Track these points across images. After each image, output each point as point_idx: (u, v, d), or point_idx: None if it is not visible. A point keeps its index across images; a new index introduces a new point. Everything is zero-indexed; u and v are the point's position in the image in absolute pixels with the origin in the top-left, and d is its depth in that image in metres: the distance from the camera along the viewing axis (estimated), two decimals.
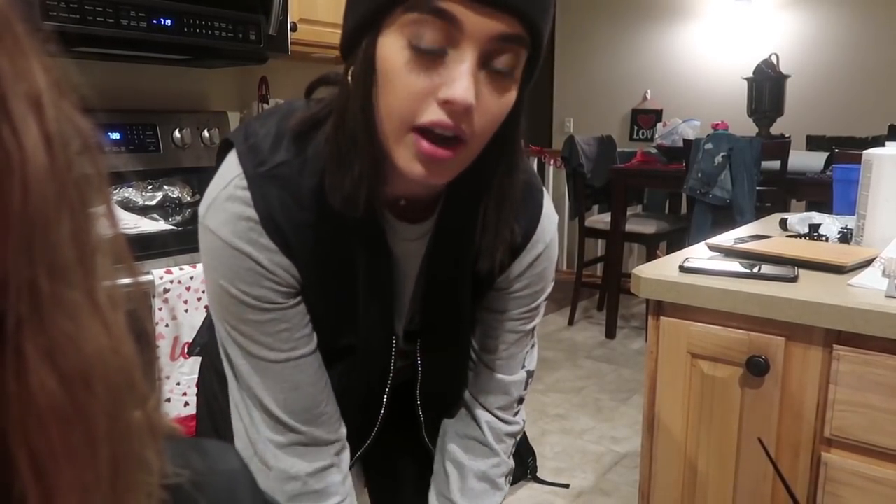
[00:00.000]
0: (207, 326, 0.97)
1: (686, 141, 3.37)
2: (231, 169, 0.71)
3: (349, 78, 0.65)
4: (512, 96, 0.65)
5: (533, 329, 0.90)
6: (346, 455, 0.84)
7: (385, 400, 0.87)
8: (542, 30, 0.63)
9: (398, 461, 0.99)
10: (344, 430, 0.83)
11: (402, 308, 0.83)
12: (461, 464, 0.91)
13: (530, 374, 0.93)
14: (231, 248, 0.70)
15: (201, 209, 0.73)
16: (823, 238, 1.43)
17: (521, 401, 0.93)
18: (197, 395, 0.99)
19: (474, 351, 0.90)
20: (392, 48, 0.61)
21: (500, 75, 0.62)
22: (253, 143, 0.71)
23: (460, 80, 0.59)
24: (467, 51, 0.60)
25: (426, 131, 0.62)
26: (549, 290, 0.88)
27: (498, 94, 0.63)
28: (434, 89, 0.61)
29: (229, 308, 0.73)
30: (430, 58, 0.60)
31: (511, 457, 0.94)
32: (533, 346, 0.93)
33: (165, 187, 2.01)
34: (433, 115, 0.61)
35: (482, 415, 0.90)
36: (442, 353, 0.87)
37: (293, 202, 0.70)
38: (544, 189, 0.84)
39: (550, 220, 0.84)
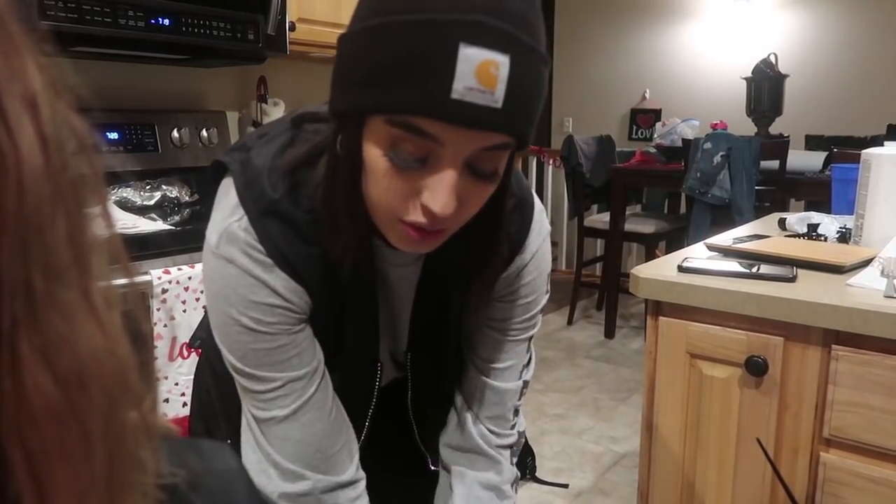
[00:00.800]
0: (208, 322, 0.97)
1: (685, 140, 3.37)
2: (235, 206, 0.71)
3: (337, 147, 0.65)
4: (495, 185, 0.65)
5: (530, 339, 0.90)
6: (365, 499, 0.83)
7: (368, 419, 0.87)
8: (529, 134, 0.62)
9: (389, 470, 0.99)
10: (361, 473, 0.83)
11: (402, 328, 0.85)
12: (464, 474, 0.91)
13: (526, 383, 0.93)
14: (248, 277, 0.71)
15: (212, 239, 0.72)
16: (822, 238, 1.43)
17: (516, 412, 0.93)
18: (192, 391, 0.99)
19: (471, 359, 0.90)
20: (372, 150, 0.61)
21: (485, 176, 0.63)
22: (251, 176, 0.71)
23: (440, 193, 0.60)
24: (448, 165, 0.59)
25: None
26: (543, 301, 0.89)
27: (480, 189, 0.64)
28: (416, 191, 0.61)
29: (238, 338, 0.73)
30: (410, 169, 0.61)
31: (514, 465, 0.93)
32: (530, 358, 0.93)
33: (164, 187, 2.01)
34: (416, 216, 0.62)
35: (475, 428, 0.90)
36: (431, 367, 0.88)
37: (294, 235, 0.71)
38: (538, 203, 0.84)
39: (539, 235, 0.84)
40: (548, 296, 0.89)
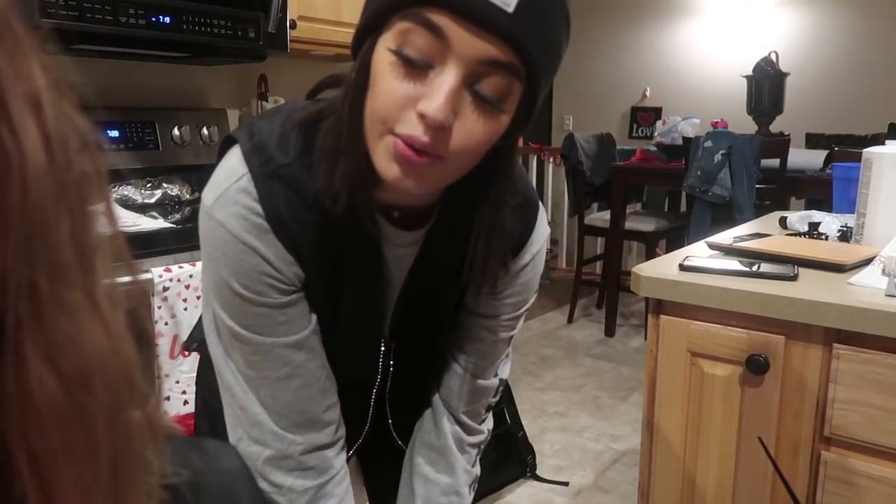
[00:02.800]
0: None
1: (685, 139, 3.37)
2: (236, 165, 0.71)
3: (352, 74, 0.66)
4: (498, 126, 0.64)
5: (510, 338, 0.90)
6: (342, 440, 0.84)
7: (373, 399, 0.87)
8: (539, 63, 0.61)
9: (394, 459, 1.00)
10: (341, 431, 0.83)
11: (386, 311, 0.84)
12: (427, 478, 0.91)
13: (502, 381, 0.93)
14: (239, 243, 0.70)
15: (207, 199, 0.72)
16: (823, 236, 1.43)
17: (488, 409, 0.94)
18: (195, 391, 0.99)
19: (450, 352, 0.90)
20: (383, 52, 0.62)
21: (487, 102, 0.62)
22: (258, 141, 0.71)
23: (437, 96, 0.59)
24: (451, 68, 0.59)
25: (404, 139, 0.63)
26: (532, 300, 0.89)
27: (482, 120, 0.62)
28: (415, 99, 0.61)
29: (229, 300, 0.73)
30: (414, 68, 0.60)
31: (476, 465, 0.94)
32: (507, 356, 0.93)
33: (164, 185, 2.01)
34: (410, 127, 0.61)
35: (447, 425, 0.90)
36: (415, 356, 0.88)
37: (298, 202, 0.70)
38: (541, 204, 0.85)
39: (541, 234, 0.84)
40: (535, 296, 0.89)
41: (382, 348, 0.85)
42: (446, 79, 0.59)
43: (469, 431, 0.91)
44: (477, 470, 0.94)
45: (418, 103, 0.60)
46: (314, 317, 0.78)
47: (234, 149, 0.72)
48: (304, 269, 0.74)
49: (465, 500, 0.92)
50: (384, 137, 0.63)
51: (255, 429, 0.77)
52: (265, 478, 0.78)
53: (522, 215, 0.80)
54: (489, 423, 0.95)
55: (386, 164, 0.64)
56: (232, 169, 0.71)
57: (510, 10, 0.57)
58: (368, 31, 0.64)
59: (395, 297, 0.82)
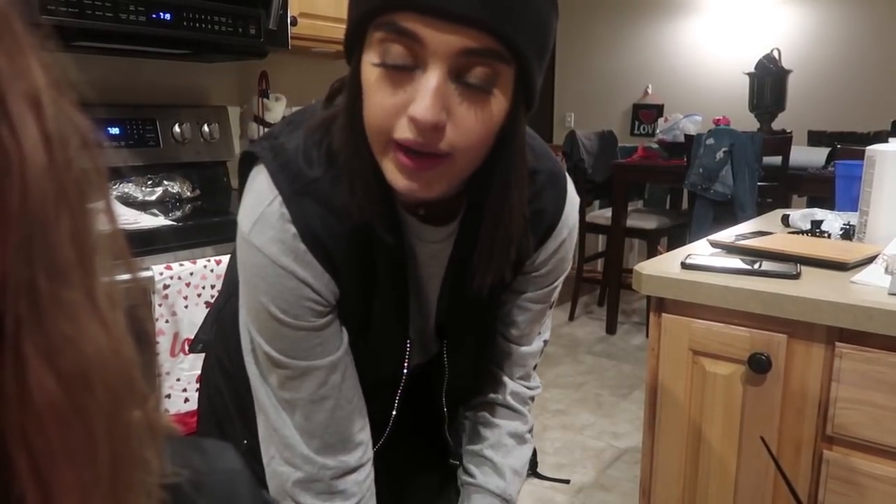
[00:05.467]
0: (211, 323, 0.96)
1: (687, 136, 3.36)
2: (266, 189, 0.71)
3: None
4: (494, 112, 0.63)
5: (552, 303, 0.93)
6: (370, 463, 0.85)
7: (397, 402, 0.87)
8: (520, 42, 0.61)
9: (411, 461, 0.99)
10: (369, 454, 0.84)
11: (429, 307, 0.84)
12: (492, 423, 0.93)
13: (546, 342, 0.96)
14: (277, 267, 0.71)
15: (244, 226, 0.72)
16: (826, 234, 1.43)
17: (535, 367, 0.97)
18: (199, 391, 0.99)
19: (499, 330, 0.91)
20: (368, 68, 0.63)
21: (476, 89, 0.61)
22: (283, 160, 0.71)
23: (423, 98, 0.60)
24: (432, 68, 0.60)
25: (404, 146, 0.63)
26: (568, 268, 0.90)
27: (474, 109, 0.62)
28: (405, 105, 0.61)
29: (266, 324, 0.74)
30: (398, 74, 0.61)
31: (531, 413, 0.98)
32: (548, 316, 0.95)
33: (165, 183, 2.01)
34: (405, 132, 0.61)
35: (505, 384, 0.93)
36: (467, 349, 0.88)
37: (329, 215, 0.71)
38: (567, 175, 0.85)
39: (573, 205, 0.85)
40: (571, 262, 0.91)
41: (408, 347, 0.84)
42: (430, 78, 0.60)
43: (526, 387, 0.95)
44: (532, 419, 0.97)
45: (409, 108, 0.61)
46: (346, 336, 0.78)
47: (262, 172, 0.72)
48: (339, 284, 0.74)
49: (528, 443, 0.96)
50: (387, 149, 0.64)
51: (287, 451, 0.77)
52: (294, 499, 0.78)
53: (552, 193, 0.80)
54: (537, 378, 0.99)
55: (394, 176, 0.65)
56: (262, 193, 0.71)
57: None
58: (352, 46, 0.65)
59: (437, 292, 0.82)
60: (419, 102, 0.60)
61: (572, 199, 0.84)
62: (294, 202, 0.70)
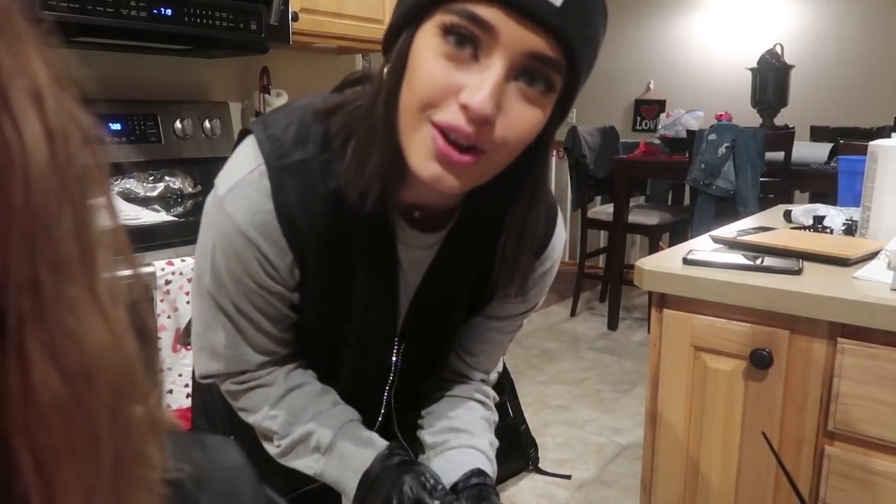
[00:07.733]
0: None
1: (689, 132, 3.36)
2: (250, 155, 0.70)
3: (384, 74, 0.65)
4: (541, 117, 0.63)
5: (511, 338, 0.92)
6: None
7: (385, 398, 0.86)
8: (581, 58, 0.61)
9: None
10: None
11: (399, 313, 0.83)
12: (463, 405, 0.91)
13: (499, 372, 0.95)
14: (243, 237, 0.70)
15: (220, 187, 0.71)
16: (828, 230, 1.43)
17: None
18: (192, 387, 0.99)
19: (456, 353, 0.89)
20: (425, 40, 0.60)
21: (533, 91, 0.61)
22: (273, 133, 0.70)
23: (482, 88, 0.58)
24: (497, 60, 0.58)
25: (443, 131, 0.60)
26: (540, 303, 0.89)
27: (524, 115, 0.61)
28: (457, 88, 0.59)
29: (215, 275, 0.74)
30: (459, 55, 0.59)
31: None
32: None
33: (166, 178, 2.01)
34: (452, 116, 0.59)
35: (471, 379, 0.92)
36: (422, 358, 0.87)
37: (311, 199, 0.69)
38: (559, 208, 0.84)
39: (560, 239, 0.84)
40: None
41: (395, 347, 0.84)
42: (492, 71, 0.58)
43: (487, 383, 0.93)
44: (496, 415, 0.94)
45: (461, 94, 0.59)
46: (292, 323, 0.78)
47: (250, 137, 0.71)
48: (304, 271, 0.73)
49: (492, 411, 0.92)
50: (421, 130, 0.61)
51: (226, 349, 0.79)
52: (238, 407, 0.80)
53: (545, 225, 0.79)
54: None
55: (422, 161, 0.62)
56: (246, 158, 0.70)
57: (558, 4, 0.57)
58: (403, 25, 0.63)
59: (409, 301, 0.81)
60: (477, 92, 0.58)
61: (560, 233, 0.84)
62: (277, 175, 0.69)
